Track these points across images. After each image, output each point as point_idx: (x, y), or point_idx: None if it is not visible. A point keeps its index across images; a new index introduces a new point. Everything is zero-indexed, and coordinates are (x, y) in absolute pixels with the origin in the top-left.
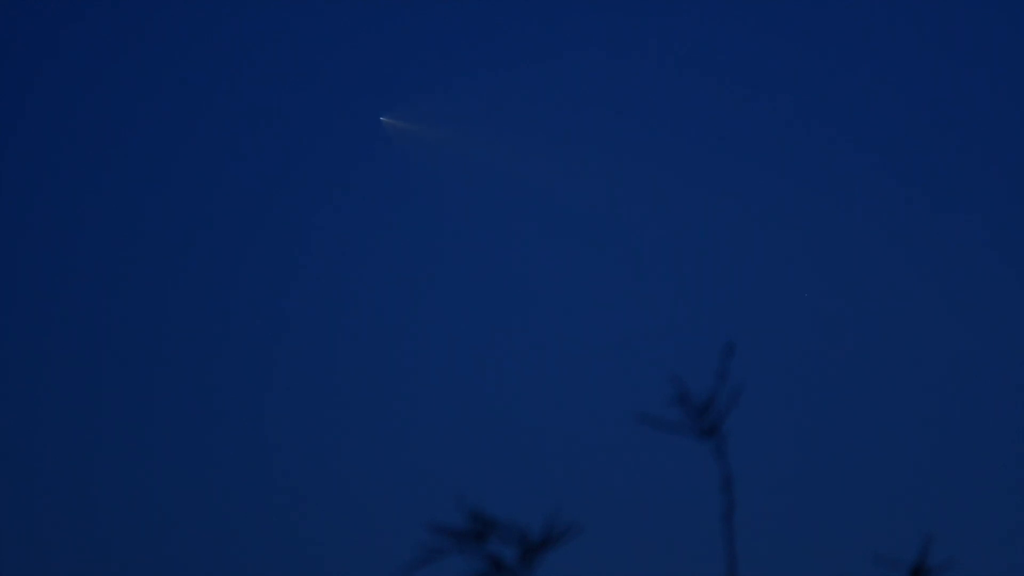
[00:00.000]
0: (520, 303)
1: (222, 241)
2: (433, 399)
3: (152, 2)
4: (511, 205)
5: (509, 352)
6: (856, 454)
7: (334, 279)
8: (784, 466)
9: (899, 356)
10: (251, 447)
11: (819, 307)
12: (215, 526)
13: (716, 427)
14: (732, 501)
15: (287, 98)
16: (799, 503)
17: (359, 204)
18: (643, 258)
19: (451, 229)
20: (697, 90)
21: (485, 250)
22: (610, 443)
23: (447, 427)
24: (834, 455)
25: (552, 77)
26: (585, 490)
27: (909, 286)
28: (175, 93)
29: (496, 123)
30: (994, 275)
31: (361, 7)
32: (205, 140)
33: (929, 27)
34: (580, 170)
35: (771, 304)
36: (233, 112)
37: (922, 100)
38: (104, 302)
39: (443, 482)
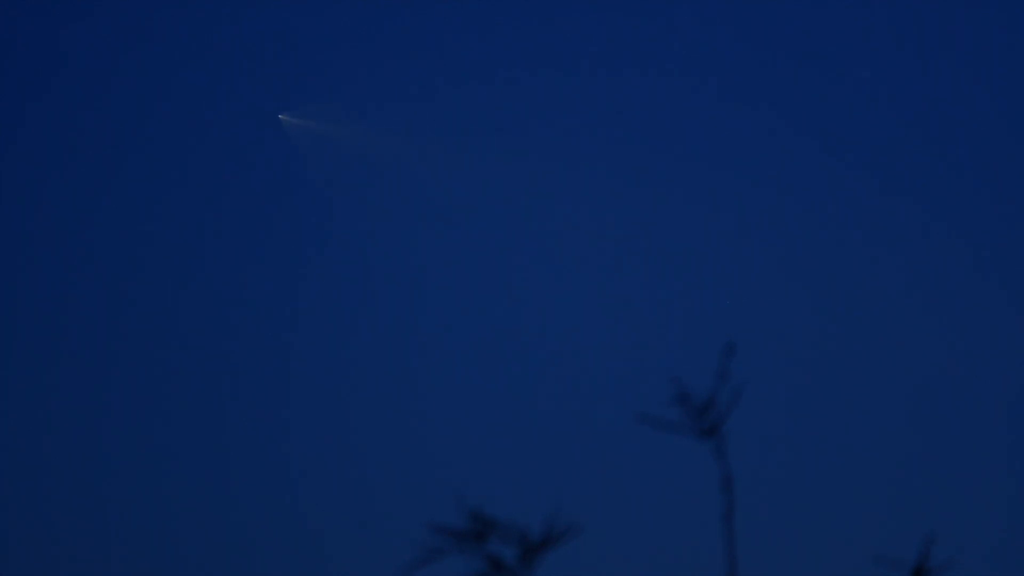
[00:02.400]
0: (479, 303)
1: (116, 239)
2: (432, 399)
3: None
4: (417, 202)
5: (508, 352)
6: (856, 454)
7: (235, 276)
8: (784, 466)
9: (899, 356)
10: (250, 449)
11: (819, 307)
12: (215, 525)
13: (716, 427)
14: (732, 501)
15: (184, 95)
16: (799, 503)
17: (257, 201)
18: (642, 258)
19: (356, 227)
20: (686, 92)
21: (428, 248)
22: (610, 443)
23: (447, 427)
24: (834, 455)
25: (457, 74)
26: (585, 490)
27: (910, 287)
28: (69, 91)
29: (396, 120)
30: (993, 274)
31: (258, 4)
32: (101, 139)
33: (926, 36)
34: (496, 168)
35: (771, 304)
36: (129, 109)
37: (915, 108)
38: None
39: (443, 482)
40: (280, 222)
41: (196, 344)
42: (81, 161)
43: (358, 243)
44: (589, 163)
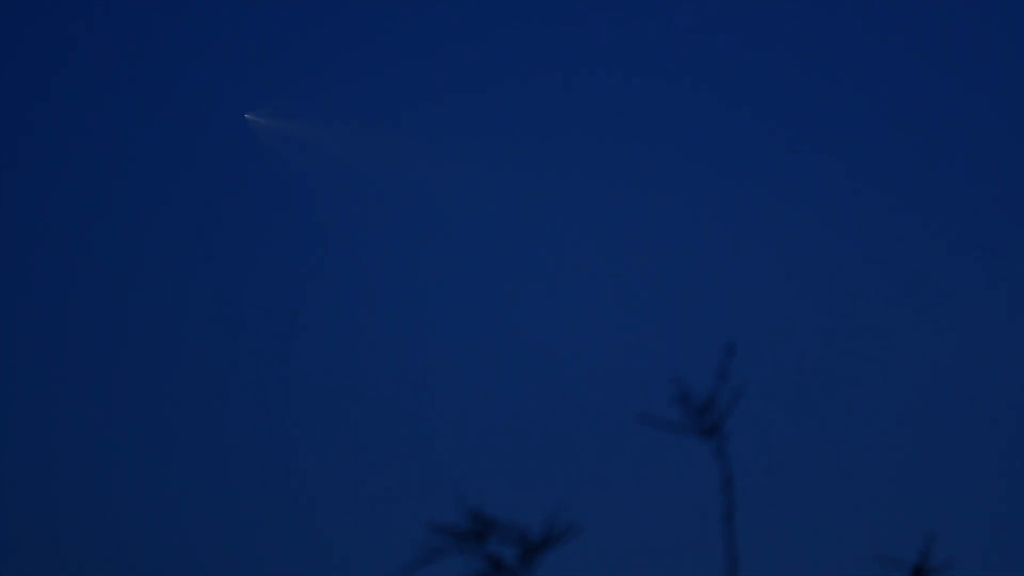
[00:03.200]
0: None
1: (80, 239)
2: (432, 400)
3: None
4: (389, 203)
5: (508, 353)
6: (856, 454)
7: (202, 274)
8: (784, 466)
9: (899, 356)
10: (250, 451)
11: (819, 307)
12: (218, 524)
13: (717, 427)
14: (732, 501)
15: (150, 95)
16: (799, 503)
17: (225, 201)
18: (642, 258)
19: (326, 226)
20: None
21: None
22: (610, 443)
23: (447, 427)
24: (834, 455)
25: (426, 74)
26: (585, 490)
27: (910, 287)
28: (28, 89)
29: (364, 119)
30: (992, 274)
31: (224, 4)
32: (69, 137)
33: (926, 38)
34: (459, 166)
35: (771, 304)
36: (95, 107)
37: (914, 110)
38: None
39: (443, 482)
40: (247, 221)
41: (157, 345)
42: (43, 161)
43: (326, 242)
44: (587, 164)
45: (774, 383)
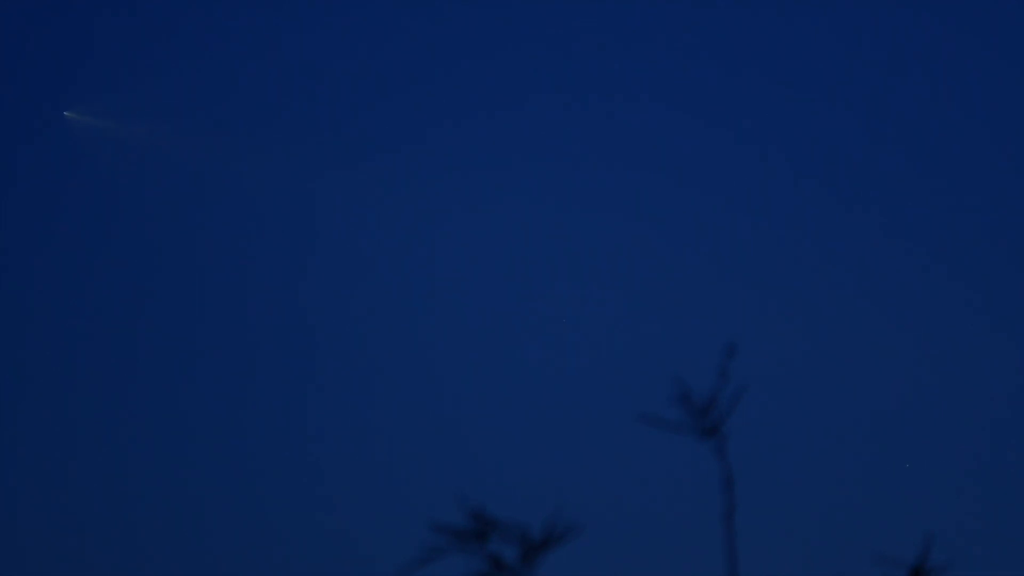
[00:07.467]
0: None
1: None
2: (432, 400)
3: None
4: (221, 204)
5: (508, 352)
6: (856, 454)
7: (26, 276)
8: (784, 466)
9: (900, 356)
10: (248, 448)
11: (820, 307)
12: (220, 520)
13: (717, 427)
14: (733, 501)
15: None
16: (799, 503)
17: (40, 200)
18: (643, 257)
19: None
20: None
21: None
22: (611, 443)
23: (447, 427)
24: (834, 455)
25: (270, 71)
26: (586, 490)
27: (911, 287)
28: None
29: (197, 119)
30: (991, 273)
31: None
32: None
33: (923, 54)
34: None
35: (772, 305)
36: None
37: (898, 123)
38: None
39: (444, 481)
40: (65, 222)
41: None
42: None
43: (157, 244)
44: (587, 165)
45: (774, 383)
